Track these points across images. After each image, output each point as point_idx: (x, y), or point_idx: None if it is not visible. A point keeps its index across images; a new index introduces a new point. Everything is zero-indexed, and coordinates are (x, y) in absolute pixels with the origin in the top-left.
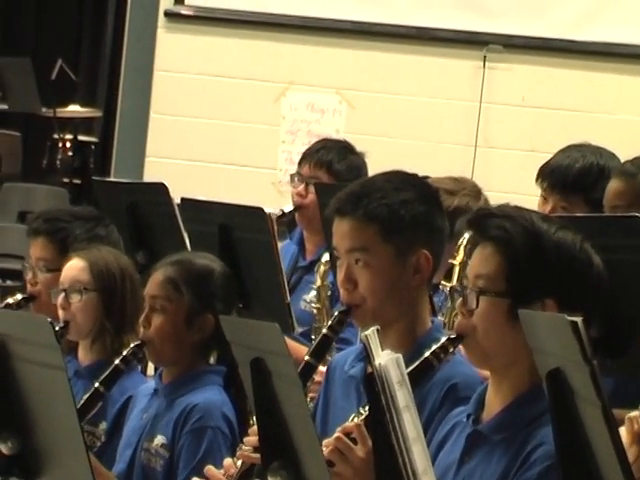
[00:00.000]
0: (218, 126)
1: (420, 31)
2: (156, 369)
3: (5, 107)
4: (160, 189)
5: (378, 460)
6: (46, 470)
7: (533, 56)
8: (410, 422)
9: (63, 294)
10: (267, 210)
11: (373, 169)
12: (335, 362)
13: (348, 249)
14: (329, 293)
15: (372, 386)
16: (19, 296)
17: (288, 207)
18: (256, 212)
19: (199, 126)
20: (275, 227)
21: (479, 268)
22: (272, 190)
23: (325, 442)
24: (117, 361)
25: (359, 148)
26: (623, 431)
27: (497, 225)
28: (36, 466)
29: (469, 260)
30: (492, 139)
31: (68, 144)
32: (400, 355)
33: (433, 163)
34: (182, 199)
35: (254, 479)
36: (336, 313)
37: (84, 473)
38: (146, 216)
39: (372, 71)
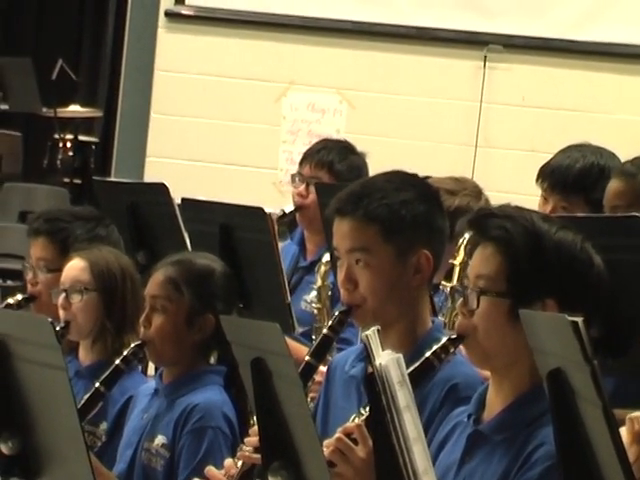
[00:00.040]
0: (218, 126)
1: (420, 31)
2: (157, 369)
3: (6, 107)
4: (161, 189)
5: (379, 460)
6: (47, 470)
7: (533, 56)
8: (411, 422)
9: (64, 294)
10: (268, 210)
11: (373, 169)
12: (335, 362)
13: (348, 249)
14: (330, 293)
15: (373, 386)
16: (19, 296)
17: (289, 207)
18: (257, 212)
19: (199, 126)
20: (275, 227)
21: (480, 268)
22: (273, 190)
23: (326, 443)
24: (118, 361)
25: (359, 148)
26: (623, 431)
27: (498, 225)
28: (37, 466)
29: (470, 260)
30: (492, 139)
31: (69, 144)
32: (401, 355)
33: (433, 163)
34: (182, 199)
35: (255, 479)
36: (336, 313)
37: (85, 473)
38: (147, 216)
39: (372, 71)
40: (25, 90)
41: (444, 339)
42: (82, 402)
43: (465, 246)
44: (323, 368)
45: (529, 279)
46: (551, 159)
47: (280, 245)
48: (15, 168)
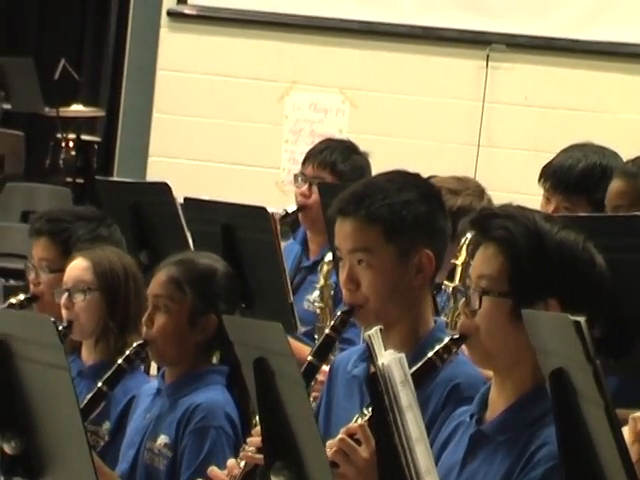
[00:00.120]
0: (221, 125)
1: (422, 31)
2: (159, 369)
3: (8, 107)
4: (163, 189)
5: (381, 460)
6: (49, 470)
7: (536, 56)
8: (413, 422)
9: (66, 294)
10: (270, 210)
11: (376, 169)
12: (338, 362)
13: (350, 249)
14: (332, 293)
15: (375, 386)
16: (22, 296)
17: (291, 207)
18: (259, 212)
19: (202, 126)
20: (278, 227)
21: (482, 268)
22: (275, 190)
23: (329, 443)
24: (120, 361)
25: (362, 148)
26: (626, 431)
27: (500, 225)
28: (39, 466)
29: (472, 260)
30: (495, 139)
31: (71, 144)
32: (403, 355)
33: (436, 162)
34: (185, 199)
35: None
36: (339, 313)
37: (87, 473)
38: (149, 216)
39: (375, 71)
40: (28, 90)
41: (446, 339)
42: (85, 402)
43: (467, 246)
44: (325, 368)
45: (531, 279)
46: (553, 159)
47: (282, 245)
48: (17, 168)
